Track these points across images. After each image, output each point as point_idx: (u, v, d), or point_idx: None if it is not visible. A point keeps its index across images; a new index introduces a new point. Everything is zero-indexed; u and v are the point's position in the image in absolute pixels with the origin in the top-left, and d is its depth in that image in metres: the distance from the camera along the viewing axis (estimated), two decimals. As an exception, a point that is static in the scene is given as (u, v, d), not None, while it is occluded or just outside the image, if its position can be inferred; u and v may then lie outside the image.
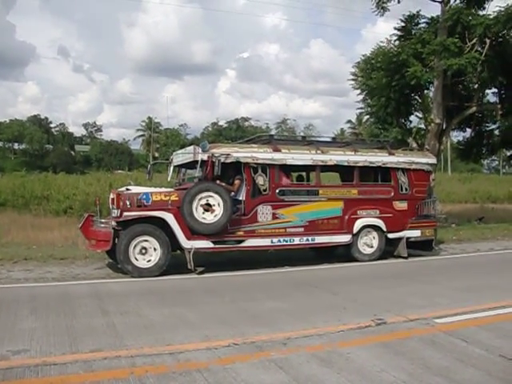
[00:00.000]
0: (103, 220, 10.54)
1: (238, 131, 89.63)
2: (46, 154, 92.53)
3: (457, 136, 24.18)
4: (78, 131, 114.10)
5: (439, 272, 10.51)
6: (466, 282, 9.10)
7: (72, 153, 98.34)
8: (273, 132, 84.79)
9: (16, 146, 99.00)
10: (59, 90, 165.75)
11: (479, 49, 15.71)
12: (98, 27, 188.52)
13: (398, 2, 17.10)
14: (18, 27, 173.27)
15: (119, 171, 58.89)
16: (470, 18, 15.60)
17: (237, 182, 10.57)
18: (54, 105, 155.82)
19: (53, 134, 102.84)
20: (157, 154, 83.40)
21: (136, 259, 9.62)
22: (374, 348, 5.37)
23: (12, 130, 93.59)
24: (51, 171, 46.24)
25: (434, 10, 17.28)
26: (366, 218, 11.43)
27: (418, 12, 17.52)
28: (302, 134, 79.37)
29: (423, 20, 17.62)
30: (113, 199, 10.26)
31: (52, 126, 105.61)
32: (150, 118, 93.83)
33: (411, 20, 17.60)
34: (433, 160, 12.89)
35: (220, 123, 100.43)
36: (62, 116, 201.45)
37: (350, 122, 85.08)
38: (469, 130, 20.53)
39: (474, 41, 15.65)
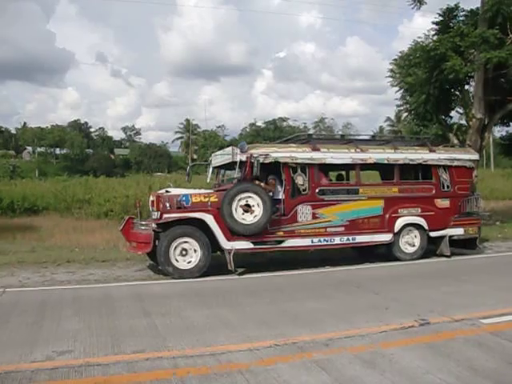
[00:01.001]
0: (143, 222, 10.60)
1: (276, 131, 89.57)
2: (86, 158, 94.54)
3: (500, 131, 23.56)
4: (117, 135, 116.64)
5: (484, 271, 10.26)
6: (512, 281, 8.85)
7: (112, 156, 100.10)
8: (311, 131, 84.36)
9: (57, 150, 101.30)
10: (98, 95, 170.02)
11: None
12: (135, 32, 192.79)
13: (435, -6, 16.77)
14: (58, 35, 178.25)
15: (158, 174, 59.67)
16: (512, 8, 15.18)
17: (271, 181, 10.54)
18: (94, 109, 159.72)
19: (93, 139, 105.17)
20: (195, 156, 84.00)
21: (176, 261, 9.69)
22: (418, 349, 5.27)
23: (53, 135, 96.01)
24: (92, 175, 47.16)
25: (474, 3, 16.78)
26: (408, 217, 11.24)
27: (456, 5, 17.11)
28: (340, 132, 78.78)
29: (462, 13, 17.22)
30: (153, 201, 10.35)
31: (92, 130, 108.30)
32: (187, 121, 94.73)
33: (450, 13, 17.18)
34: (475, 156, 12.60)
35: (258, 124, 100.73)
36: (102, 120, 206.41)
37: (388, 119, 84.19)
38: (513, 125, 19.96)
39: (517, 32, 15.23)
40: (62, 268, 11.03)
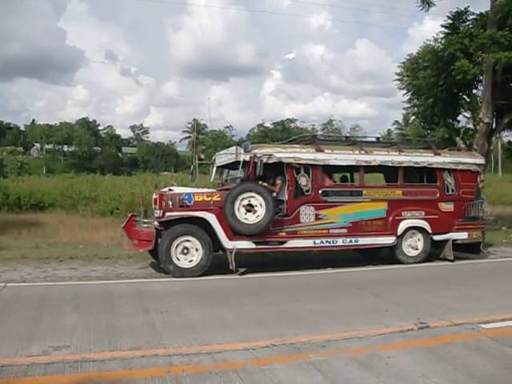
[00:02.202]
0: (146, 220, 10.64)
1: (284, 132, 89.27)
2: (94, 155, 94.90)
3: (507, 136, 23.46)
4: (125, 133, 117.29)
5: (487, 276, 10.19)
6: (515, 287, 8.76)
7: (119, 155, 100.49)
8: (319, 133, 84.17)
9: (65, 148, 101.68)
10: (107, 94, 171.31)
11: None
12: (144, 31, 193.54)
13: (444, -4, 16.68)
14: (69, 33, 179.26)
15: (165, 173, 59.66)
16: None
17: (278, 182, 10.50)
18: (102, 108, 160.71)
19: (101, 137, 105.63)
20: (203, 156, 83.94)
21: (178, 259, 9.68)
22: (416, 352, 5.21)
23: (62, 132, 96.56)
24: (99, 173, 47.25)
25: (483, 6, 16.74)
26: (411, 220, 11.18)
27: (466, 8, 17.04)
28: (347, 135, 78.59)
29: (471, 17, 17.12)
30: (155, 199, 10.36)
31: (100, 128, 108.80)
32: (195, 120, 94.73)
33: (459, 17, 17.09)
34: (480, 160, 12.49)
35: (266, 125, 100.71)
36: (110, 119, 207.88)
37: (396, 122, 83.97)
38: (521, 130, 19.82)
39: (527, 35, 15.15)
40: (65, 264, 11.06)
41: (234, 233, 9.91)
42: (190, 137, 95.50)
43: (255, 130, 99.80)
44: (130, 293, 8.26)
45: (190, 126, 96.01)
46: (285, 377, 4.53)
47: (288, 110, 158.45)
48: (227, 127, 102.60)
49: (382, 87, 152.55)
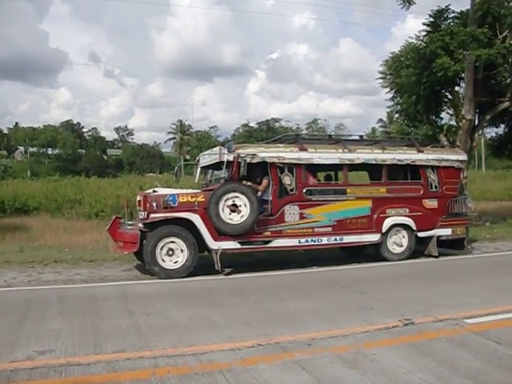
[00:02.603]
0: (130, 222, 10.60)
1: (269, 132, 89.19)
2: (78, 158, 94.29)
3: (489, 132, 23.65)
4: (109, 135, 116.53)
5: (471, 271, 10.25)
6: (499, 282, 8.81)
7: (104, 157, 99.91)
8: (303, 132, 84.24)
9: (50, 151, 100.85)
10: (91, 95, 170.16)
11: (511, 42, 15.36)
12: (128, 32, 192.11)
13: (425, -6, 16.84)
14: (51, 35, 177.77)
15: (150, 174, 59.49)
16: (502, 9, 15.31)
17: (265, 181, 10.48)
18: (86, 110, 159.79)
19: (85, 139, 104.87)
20: (188, 157, 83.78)
21: (163, 260, 9.64)
22: (401, 349, 5.24)
23: (46, 135, 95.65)
24: (84, 175, 47.01)
25: (464, 5, 16.96)
26: (395, 217, 11.23)
27: (447, 6, 17.20)
28: (332, 133, 78.76)
29: (452, 15, 17.28)
30: (139, 201, 10.32)
31: (84, 130, 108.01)
32: (180, 121, 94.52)
33: (440, 15, 17.25)
34: (463, 156, 12.58)
35: (250, 124, 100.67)
36: (94, 121, 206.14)
37: (381, 120, 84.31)
38: (503, 126, 19.99)
39: (506, 33, 15.31)
40: (49, 268, 10.97)
41: (219, 233, 9.89)
42: (174, 138, 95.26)
43: (240, 130, 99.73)
44: (115, 295, 8.22)
45: (174, 126, 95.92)
46: (270, 376, 4.53)
47: (273, 109, 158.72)
48: (212, 127, 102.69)
49: (366, 86, 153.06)
